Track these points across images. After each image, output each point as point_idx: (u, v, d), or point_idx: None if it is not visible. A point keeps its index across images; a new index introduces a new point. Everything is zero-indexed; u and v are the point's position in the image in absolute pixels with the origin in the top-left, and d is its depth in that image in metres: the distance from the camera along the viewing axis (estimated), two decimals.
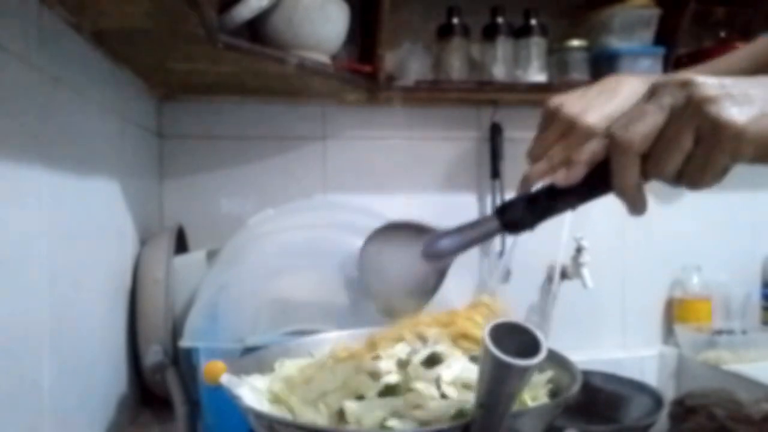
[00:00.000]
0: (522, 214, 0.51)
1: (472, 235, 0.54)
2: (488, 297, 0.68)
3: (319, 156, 1.33)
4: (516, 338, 0.43)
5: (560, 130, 0.63)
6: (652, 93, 0.45)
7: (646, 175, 0.45)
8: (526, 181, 0.62)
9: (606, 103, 0.64)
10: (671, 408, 0.96)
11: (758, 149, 0.43)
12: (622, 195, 0.46)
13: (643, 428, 0.94)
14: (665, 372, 1.40)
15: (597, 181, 0.47)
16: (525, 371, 0.42)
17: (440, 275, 0.55)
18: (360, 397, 0.53)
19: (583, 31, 1.30)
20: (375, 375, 0.55)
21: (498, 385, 0.43)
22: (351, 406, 0.51)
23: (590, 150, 0.47)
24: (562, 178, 0.48)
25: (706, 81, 0.43)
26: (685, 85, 0.43)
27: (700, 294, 1.42)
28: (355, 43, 1.24)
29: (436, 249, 0.54)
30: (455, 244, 0.54)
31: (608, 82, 0.67)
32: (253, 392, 0.55)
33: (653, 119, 0.44)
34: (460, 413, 0.49)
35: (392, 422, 0.49)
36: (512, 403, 0.44)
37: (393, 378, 0.54)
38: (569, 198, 0.49)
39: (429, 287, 0.56)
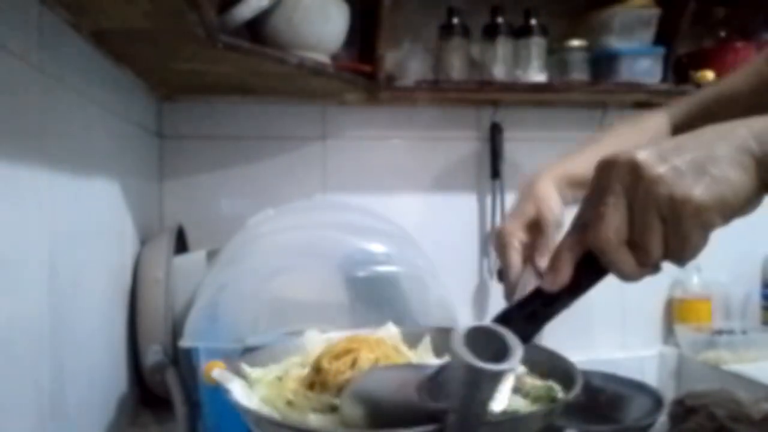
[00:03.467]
0: (522, 328, 0.47)
1: None
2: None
3: (319, 156, 1.33)
4: (490, 342, 0.42)
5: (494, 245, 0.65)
6: (602, 179, 0.44)
7: (638, 264, 0.44)
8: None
9: (518, 212, 0.65)
10: (671, 408, 0.96)
11: (726, 214, 0.42)
12: (632, 281, 0.45)
13: (643, 428, 0.94)
14: (665, 372, 1.40)
15: (585, 273, 0.46)
16: (496, 376, 0.41)
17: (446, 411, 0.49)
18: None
19: (583, 31, 1.30)
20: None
21: (470, 390, 0.42)
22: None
23: (567, 247, 0.46)
24: (550, 283, 0.46)
25: (648, 159, 0.42)
26: (630, 167, 0.42)
27: (700, 294, 1.43)
28: (355, 43, 1.23)
29: (440, 386, 0.47)
30: None
31: (522, 188, 0.68)
32: (243, 388, 0.55)
33: (616, 210, 0.42)
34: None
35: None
36: (486, 408, 0.43)
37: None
38: (563, 298, 0.47)
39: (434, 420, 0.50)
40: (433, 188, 1.38)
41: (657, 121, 0.76)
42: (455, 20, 1.25)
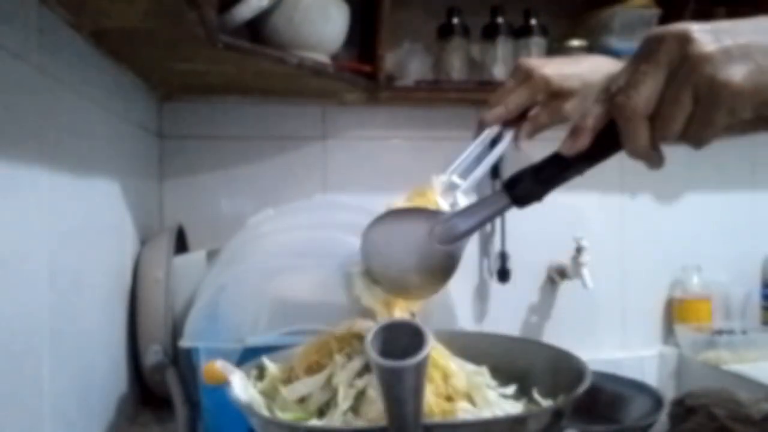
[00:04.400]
0: (531, 186, 0.50)
1: (484, 214, 0.53)
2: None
3: (319, 156, 1.33)
4: (407, 336, 0.42)
5: (520, 78, 0.68)
6: (648, 48, 0.44)
7: (653, 136, 0.45)
8: (480, 122, 0.70)
9: (566, 65, 0.68)
10: (671, 408, 0.96)
11: (756, 105, 0.43)
12: (637, 157, 0.46)
13: (643, 428, 0.94)
14: (665, 372, 1.39)
15: (602, 144, 0.47)
16: (405, 371, 0.40)
17: (454, 258, 0.53)
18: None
19: (583, 31, 1.30)
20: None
21: (389, 389, 0.42)
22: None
23: (593, 115, 0.46)
24: (568, 147, 0.47)
25: (702, 36, 0.43)
26: (681, 40, 0.43)
27: (700, 294, 1.42)
28: (355, 43, 1.23)
29: (448, 231, 0.52)
30: (468, 225, 0.53)
31: (578, 56, 0.73)
32: (243, 381, 0.56)
33: (653, 81, 0.43)
34: None
35: None
36: (415, 403, 0.43)
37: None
38: (576, 165, 0.48)
39: (443, 271, 0.54)
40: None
41: None
42: (455, 20, 1.25)
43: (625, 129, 0.44)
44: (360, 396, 0.53)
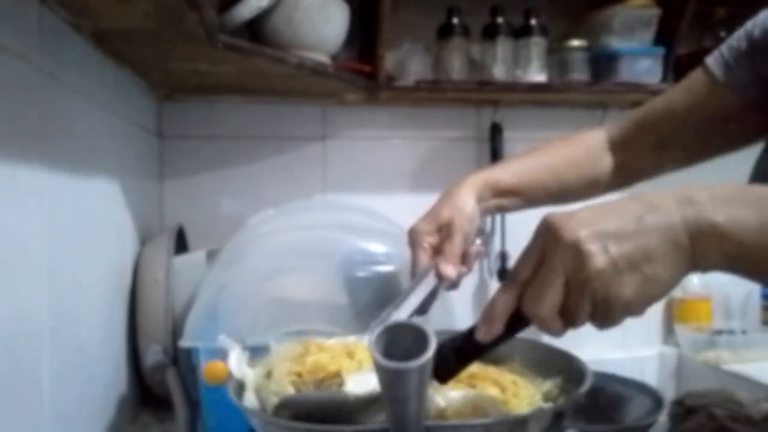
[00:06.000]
0: (452, 365, 0.51)
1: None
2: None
3: (319, 156, 1.33)
4: (410, 338, 0.42)
5: (414, 245, 0.74)
6: (543, 245, 0.46)
7: (564, 325, 0.48)
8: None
9: (433, 213, 0.74)
10: (671, 408, 0.96)
11: (651, 304, 0.46)
12: (546, 333, 0.48)
13: (643, 428, 0.94)
14: (665, 372, 1.39)
15: (515, 324, 0.49)
16: (408, 372, 0.40)
17: None
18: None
19: (583, 31, 1.30)
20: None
21: (391, 389, 0.42)
22: None
23: (502, 302, 0.48)
24: (483, 333, 0.49)
25: (592, 248, 0.44)
26: (575, 252, 0.44)
27: (700, 294, 1.42)
28: (355, 43, 1.23)
29: None
30: None
31: (441, 198, 0.76)
32: (239, 357, 0.56)
33: (555, 290, 0.45)
34: None
35: None
36: (417, 405, 0.43)
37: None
38: (493, 343, 0.50)
39: None
40: (433, 188, 1.37)
41: (594, 137, 0.81)
42: (455, 20, 1.25)
43: (540, 326, 0.47)
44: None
